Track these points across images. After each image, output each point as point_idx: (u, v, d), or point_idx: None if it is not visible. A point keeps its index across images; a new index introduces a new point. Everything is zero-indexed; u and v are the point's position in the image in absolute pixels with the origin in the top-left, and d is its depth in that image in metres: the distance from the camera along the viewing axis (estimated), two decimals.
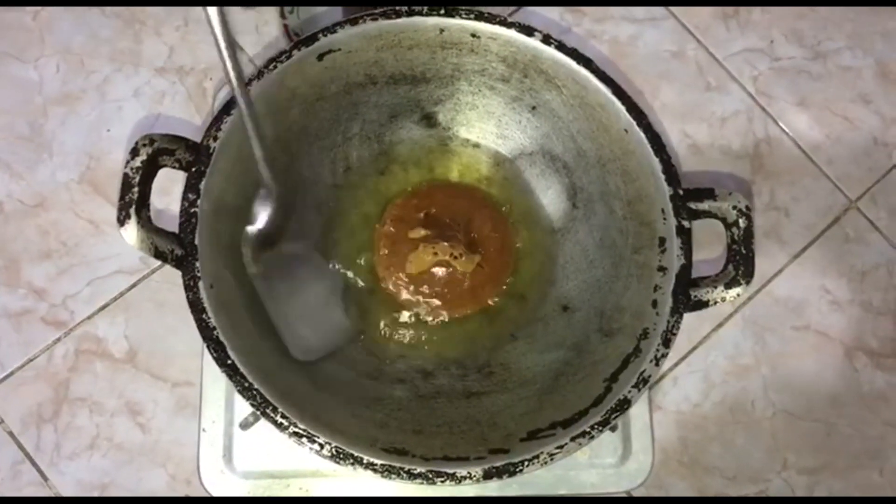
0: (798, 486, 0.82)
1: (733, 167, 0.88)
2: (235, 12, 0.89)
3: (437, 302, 0.76)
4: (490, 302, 0.77)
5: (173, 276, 0.81)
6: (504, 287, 0.77)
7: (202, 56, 0.88)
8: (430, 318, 0.76)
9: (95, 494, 0.78)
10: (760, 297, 0.86)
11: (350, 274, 0.76)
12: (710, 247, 0.82)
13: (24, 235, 0.83)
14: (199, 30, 0.89)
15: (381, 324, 0.75)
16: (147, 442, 0.80)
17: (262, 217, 0.65)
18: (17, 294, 0.82)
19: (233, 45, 0.53)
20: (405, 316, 0.76)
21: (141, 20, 0.89)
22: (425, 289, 0.75)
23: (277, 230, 0.67)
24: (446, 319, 0.76)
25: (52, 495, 0.78)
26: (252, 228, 0.65)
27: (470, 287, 0.75)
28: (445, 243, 0.73)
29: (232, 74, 0.54)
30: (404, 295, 0.76)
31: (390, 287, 0.76)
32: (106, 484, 0.79)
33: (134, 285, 0.83)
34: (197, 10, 0.89)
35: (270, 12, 0.88)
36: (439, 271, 0.75)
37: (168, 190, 0.82)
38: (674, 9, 0.92)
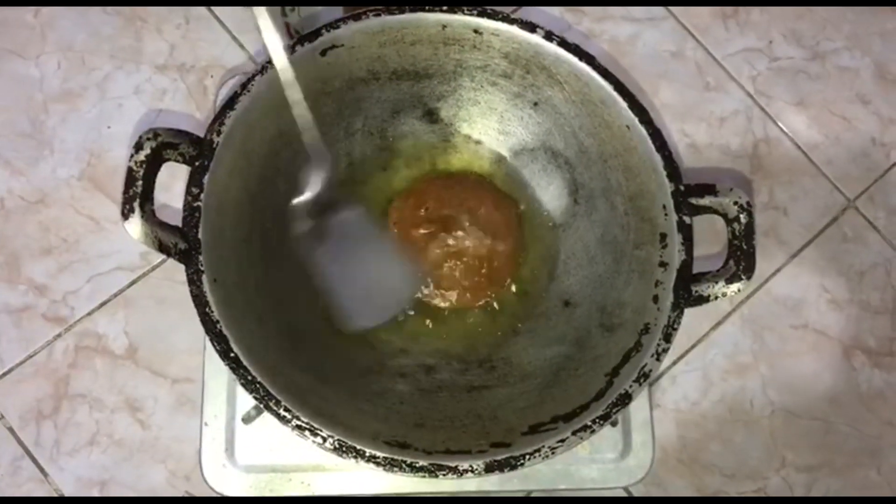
0: (796, 484, 0.82)
1: (732, 167, 0.89)
2: (236, 9, 0.89)
3: (459, 293, 0.76)
4: (510, 279, 0.77)
5: (173, 272, 0.82)
6: (520, 261, 0.78)
7: (203, 54, 0.89)
8: (449, 304, 0.76)
9: (95, 491, 0.78)
10: (759, 295, 0.86)
11: None
12: (709, 243, 0.82)
13: (24, 232, 0.83)
14: (199, 28, 0.89)
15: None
16: (147, 438, 0.80)
17: (314, 184, 0.66)
18: (18, 290, 0.82)
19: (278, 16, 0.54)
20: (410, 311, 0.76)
21: (142, 18, 0.89)
22: (445, 283, 0.76)
23: (330, 197, 0.67)
24: (472, 306, 0.76)
25: (52, 491, 0.78)
26: (301, 198, 0.66)
27: (488, 270, 0.76)
28: (453, 234, 0.74)
29: (277, 38, 0.57)
30: (426, 295, 0.76)
31: None
32: (105, 480, 0.79)
33: (134, 282, 0.83)
34: (198, 8, 0.89)
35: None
36: (455, 263, 0.75)
37: (169, 186, 0.82)
38: (673, 9, 0.93)
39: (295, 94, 0.60)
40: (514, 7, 0.92)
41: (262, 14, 0.56)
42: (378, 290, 0.72)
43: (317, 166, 0.65)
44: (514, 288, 0.77)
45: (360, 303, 0.70)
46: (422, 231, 0.75)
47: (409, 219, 0.76)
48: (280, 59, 0.59)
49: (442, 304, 0.76)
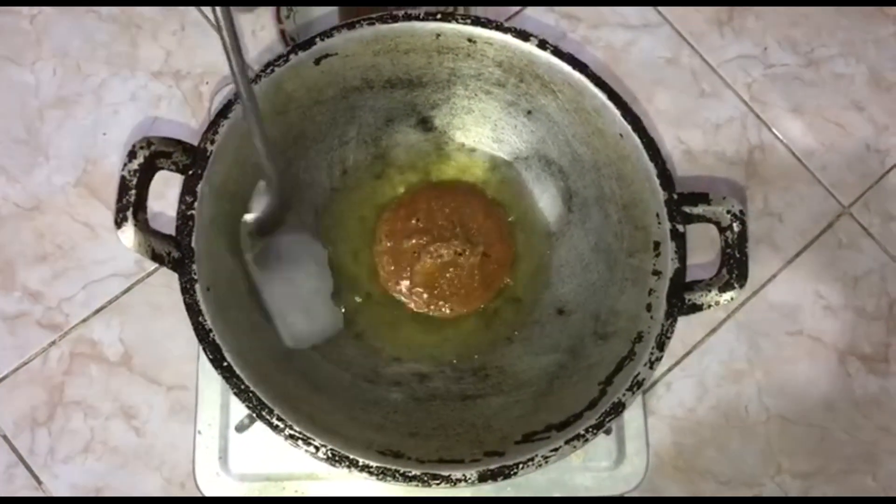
0: (792, 490, 0.82)
1: (727, 173, 0.89)
2: (232, 16, 0.89)
3: (453, 302, 0.76)
4: (505, 283, 0.77)
5: (168, 279, 0.82)
6: (511, 268, 0.78)
7: (198, 60, 0.89)
8: (447, 313, 0.77)
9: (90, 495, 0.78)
10: (754, 302, 0.86)
11: (348, 275, 0.76)
12: (703, 251, 0.82)
13: (19, 238, 0.83)
14: (195, 34, 0.89)
15: (378, 326, 0.76)
16: (142, 445, 0.79)
17: (260, 205, 0.66)
18: (13, 297, 0.82)
19: (236, 38, 0.53)
20: (403, 318, 0.76)
21: (138, 24, 0.89)
22: (438, 293, 0.76)
23: (275, 220, 0.68)
24: (466, 314, 0.77)
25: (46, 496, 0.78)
26: (250, 216, 0.67)
27: (481, 277, 0.76)
28: (445, 244, 0.74)
29: (234, 64, 0.54)
30: (420, 306, 0.76)
31: (404, 300, 0.76)
32: (100, 488, 0.78)
33: (129, 289, 0.83)
34: (193, 15, 0.89)
35: (267, 17, 0.88)
36: (448, 272, 0.75)
37: (163, 194, 0.82)
38: (668, 15, 0.93)
39: (249, 114, 0.58)
40: (518, 8, 0.92)
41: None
42: (308, 313, 0.72)
43: (263, 188, 0.66)
44: (507, 296, 0.77)
45: (289, 325, 0.70)
46: (413, 242, 0.75)
47: (401, 230, 0.76)
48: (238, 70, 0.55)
49: (437, 315, 0.76)
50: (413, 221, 0.76)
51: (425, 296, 0.76)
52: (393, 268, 0.76)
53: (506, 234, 0.78)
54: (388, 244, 0.77)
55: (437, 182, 0.79)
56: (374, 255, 0.77)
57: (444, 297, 0.76)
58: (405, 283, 0.76)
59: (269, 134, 0.62)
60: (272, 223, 0.68)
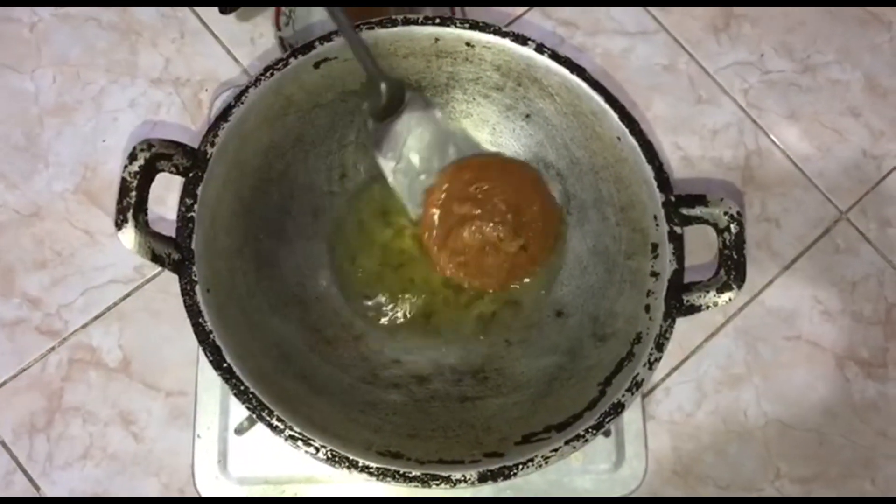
0: (791, 495, 0.82)
1: (724, 179, 0.89)
2: (231, 23, 0.90)
3: (476, 278, 0.77)
4: (527, 280, 0.77)
5: (167, 285, 0.82)
6: (539, 266, 0.78)
7: (198, 67, 0.89)
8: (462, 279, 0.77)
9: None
10: (752, 307, 0.86)
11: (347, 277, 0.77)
12: (701, 253, 0.83)
13: (18, 245, 0.83)
14: (194, 42, 0.90)
15: (378, 328, 0.76)
16: (140, 451, 0.79)
17: (375, 99, 0.71)
18: (12, 303, 0.82)
19: None
20: (403, 319, 0.76)
21: (137, 32, 0.90)
22: (466, 263, 0.76)
23: (390, 106, 0.72)
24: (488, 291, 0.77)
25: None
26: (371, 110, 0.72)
27: (510, 266, 0.76)
28: (491, 225, 0.74)
29: None
30: (446, 269, 0.77)
31: (433, 259, 0.77)
32: (98, 494, 0.78)
33: (128, 295, 0.83)
34: (193, 22, 0.90)
35: (266, 24, 0.89)
36: (483, 249, 0.75)
37: (163, 199, 0.82)
38: (665, 22, 0.93)
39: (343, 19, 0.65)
40: (526, 7, 0.93)
41: None
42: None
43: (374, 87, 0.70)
44: (506, 298, 0.77)
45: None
46: (465, 209, 0.76)
47: (457, 192, 0.76)
48: None
49: (455, 282, 0.77)
50: (473, 188, 0.76)
51: (452, 260, 0.76)
52: (437, 222, 0.77)
53: (550, 238, 0.78)
54: (442, 197, 0.77)
55: (510, 160, 0.79)
56: (425, 201, 0.78)
57: (467, 269, 0.76)
58: (441, 244, 0.77)
59: (270, 137, 0.63)
60: (387, 109, 0.72)
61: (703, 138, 0.90)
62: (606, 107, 0.67)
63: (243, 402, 0.59)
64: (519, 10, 0.93)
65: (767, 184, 0.89)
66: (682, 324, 0.64)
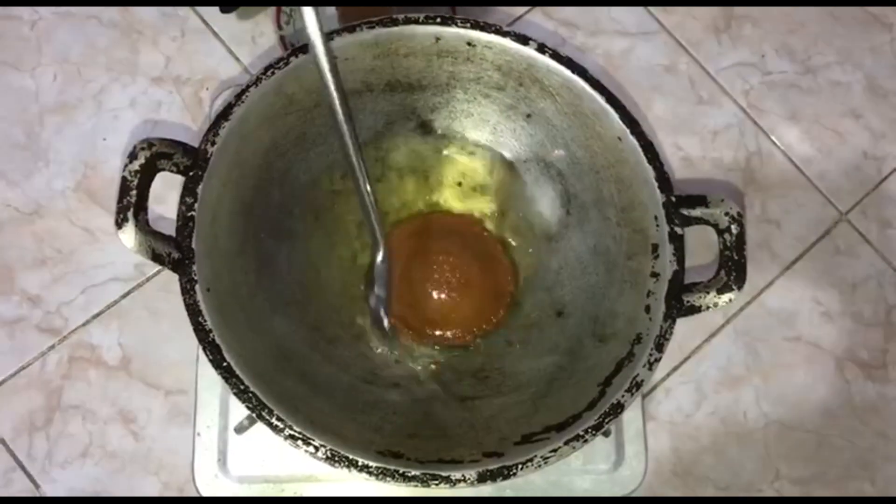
0: (790, 496, 0.82)
1: (725, 180, 0.89)
2: (232, 22, 0.89)
3: (447, 330, 0.77)
4: (493, 319, 0.77)
5: (167, 284, 0.82)
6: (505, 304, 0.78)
7: (199, 66, 0.89)
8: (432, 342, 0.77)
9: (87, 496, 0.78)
10: (752, 308, 0.86)
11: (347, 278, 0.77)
12: (701, 253, 0.83)
13: (19, 243, 0.83)
14: (195, 40, 0.90)
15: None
16: (140, 450, 0.79)
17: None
18: (12, 301, 0.82)
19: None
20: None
21: (138, 30, 0.90)
22: (432, 324, 0.77)
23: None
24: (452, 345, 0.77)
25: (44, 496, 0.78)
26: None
27: (476, 310, 0.77)
28: (437, 289, 0.76)
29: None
30: (416, 338, 0.77)
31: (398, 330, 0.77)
32: (98, 492, 0.78)
33: (128, 293, 0.83)
34: (194, 21, 0.90)
35: (266, 23, 0.89)
36: (442, 309, 0.76)
37: (163, 198, 0.82)
38: (666, 23, 0.93)
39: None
40: (528, 7, 0.93)
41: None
42: None
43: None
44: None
45: None
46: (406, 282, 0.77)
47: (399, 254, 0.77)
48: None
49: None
50: (406, 262, 0.77)
51: (417, 324, 0.77)
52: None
53: (503, 272, 0.79)
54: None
55: (446, 214, 0.80)
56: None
57: (439, 328, 0.77)
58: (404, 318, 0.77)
59: (271, 137, 0.62)
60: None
61: (703, 139, 0.90)
62: (608, 107, 0.67)
63: (243, 402, 0.59)
64: (519, 10, 0.93)
65: (768, 185, 0.89)
66: (681, 324, 0.64)
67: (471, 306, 0.77)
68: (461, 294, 0.76)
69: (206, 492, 0.75)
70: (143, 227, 0.60)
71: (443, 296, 0.76)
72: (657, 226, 0.65)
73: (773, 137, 0.91)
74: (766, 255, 0.87)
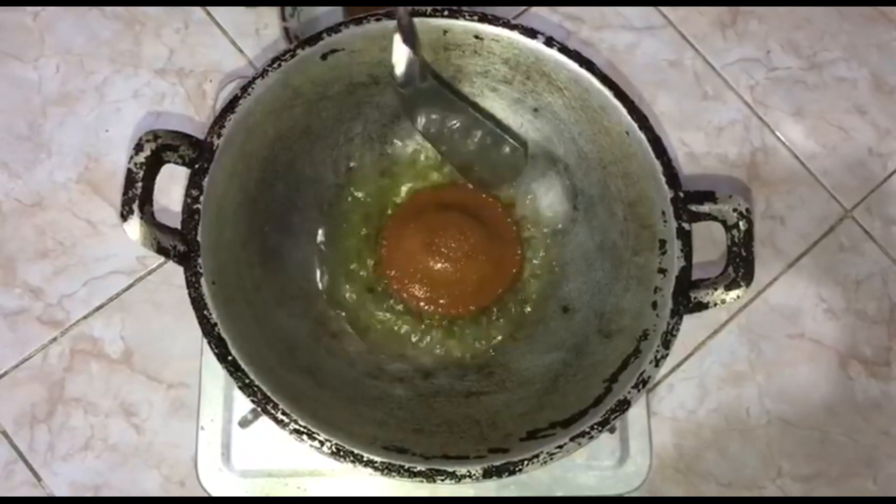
0: (792, 493, 0.82)
1: (730, 175, 0.89)
2: (236, 14, 0.89)
3: (442, 303, 0.76)
4: (495, 296, 0.77)
5: (170, 277, 0.82)
6: (509, 283, 0.77)
7: (202, 58, 0.89)
8: (434, 313, 0.77)
9: (89, 496, 0.78)
10: (756, 304, 0.86)
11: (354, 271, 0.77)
12: (708, 250, 0.82)
13: (21, 235, 0.83)
14: (199, 32, 0.89)
15: (383, 319, 0.76)
16: (142, 443, 0.79)
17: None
18: (13, 293, 0.82)
19: None
20: (408, 313, 0.76)
21: (141, 22, 0.89)
22: (430, 291, 0.76)
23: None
24: (453, 314, 0.77)
25: (46, 496, 0.78)
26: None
27: (477, 285, 0.76)
28: (442, 259, 0.75)
29: None
30: (411, 299, 0.76)
31: (398, 291, 0.76)
32: (99, 485, 0.78)
33: (130, 286, 0.83)
34: (197, 13, 0.89)
35: (271, 15, 0.88)
36: (443, 274, 0.75)
37: (168, 190, 0.82)
38: (672, 18, 0.93)
39: None
40: (523, 8, 0.92)
41: None
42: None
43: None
44: (512, 294, 0.77)
45: None
46: (417, 249, 0.76)
47: (405, 238, 0.77)
48: None
49: (431, 312, 0.77)
50: (413, 226, 0.76)
51: (418, 289, 0.76)
52: (394, 272, 0.76)
53: (511, 249, 0.78)
54: (392, 248, 0.77)
55: (439, 187, 0.79)
56: (377, 256, 0.77)
57: (436, 297, 0.76)
58: (400, 277, 0.77)
59: (276, 129, 0.62)
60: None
61: (708, 135, 0.90)
62: (615, 101, 0.66)
63: (248, 395, 0.58)
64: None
65: (772, 181, 0.89)
66: (685, 321, 0.64)
67: (477, 273, 0.76)
68: (469, 261, 0.75)
69: (209, 485, 0.74)
70: (149, 219, 0.59)
71: (450, 263, 0.75)
72: (665, 221, 0.65)
73: (777, 133, 0.91)
74: (769, 252, 0.87)
